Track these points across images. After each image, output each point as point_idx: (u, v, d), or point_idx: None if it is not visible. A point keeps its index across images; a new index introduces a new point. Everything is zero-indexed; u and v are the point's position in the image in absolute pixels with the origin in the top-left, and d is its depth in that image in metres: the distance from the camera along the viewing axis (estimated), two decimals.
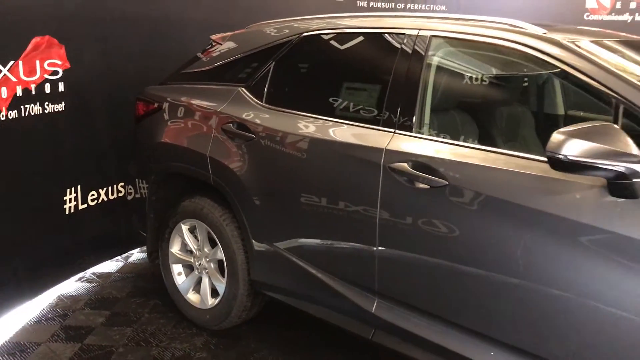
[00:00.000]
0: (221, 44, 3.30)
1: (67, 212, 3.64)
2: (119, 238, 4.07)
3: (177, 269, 3.33)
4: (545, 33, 2.20)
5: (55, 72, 3.41)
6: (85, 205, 3.78)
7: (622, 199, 1.81)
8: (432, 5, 5.73)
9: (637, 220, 1.78)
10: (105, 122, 3.85)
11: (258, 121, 2.81)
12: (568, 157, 1.75)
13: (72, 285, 3.74)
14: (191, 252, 3.24)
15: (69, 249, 3.71)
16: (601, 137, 1.76)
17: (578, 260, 1.90)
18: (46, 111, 3.38)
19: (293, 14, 3.23)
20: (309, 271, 2.68)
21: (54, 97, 3.42)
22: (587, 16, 5.64)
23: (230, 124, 2.91)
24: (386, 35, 2.57)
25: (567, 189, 1.91)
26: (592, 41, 2.31)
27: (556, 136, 1.77)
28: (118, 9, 3.80)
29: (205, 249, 3.16)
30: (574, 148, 1.75)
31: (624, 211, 1.81)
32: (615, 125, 1.80)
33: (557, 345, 1.99)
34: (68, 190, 3.63)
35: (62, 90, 3.47)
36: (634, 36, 2.87)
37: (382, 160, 2.34)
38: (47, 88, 3.36)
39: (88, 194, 3.79)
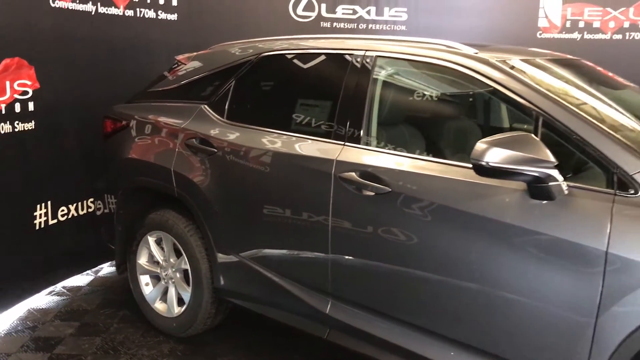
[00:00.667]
0: (186, 64, 3.48)
1: (37, 227, 3.75)
2: (89, 252, 4.19)
3: (144, 279, 3.46)
4: (476, 53, 2.42)
5: (25, 92, 3.55)
6: (55, 221, 3.90)
7: (541, 201, 2.01)
8: (392, 26, 5.98)
9: (554, 220, 1.99)
10: (74, 139, 3.99)
11: (219, 136, 2.98)
12: (489, 163, 1.95)
13: (42, 299, 3.83)
14: (158, 263, 3.38)
15: (39, 263, 3.82)
16: (520, 146, 1.96)
17: (505, 258, 2.10)
18: (16, 130, 3.51)
19: (259, 35, 3.41)
20: (269, 277, 2.84)
21: (24, 116, 3.56)
22: (540, 34, 5.93)
23: (193, 140, 3.08)
24: (337, 55, 2.77)
25: (494, 192, 2.11)
26: (522, 59, 2.55)
27: (479, 145, 1.97)
28: (87, 31, 3.96)
29: (171, 260, 3.31)
30: (495, 155, 1.95)
31: (543, 212, 2.01)
32: (533, 135, 2.01)
33: (490, 337, 2.18)
34: (38, 206, 3.75)
35: (32, 109, 3.61)
36: (564, 55, 3.13)
37: (333, 171, 2.52)
38: (17, 107, 3.50)
39: (58, 209, 3.92)
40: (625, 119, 2.38)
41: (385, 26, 6.02)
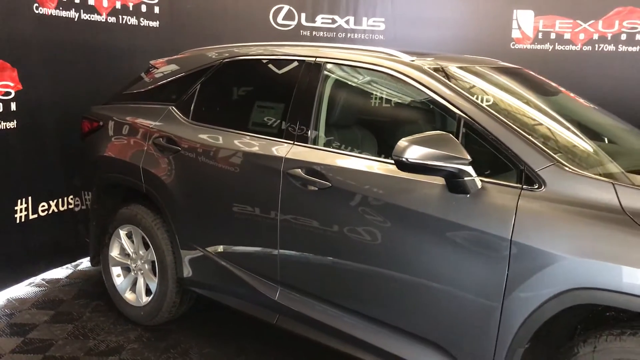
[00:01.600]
0: (158, 68, 3.69)
1: (17, 221, 3.95)
2: (69, 247, 4.39)
3: (116, 271, 3.66)
4: (412, 60, 2.63)
5: (8, 93, 3.76)
6: (35, 216, 4.11)
7: (458, 194, 2.21)
8: (370, 35, 6.20)
9: (468, 212, 2.19)
10: (55, 139, 4.20)
11: (183, 135, 3.20)
12: (409, 160, 2.15)
13: (22, 289, 4.03)
14: (128, 255, 3.58)
15: (19, 255, 4.02)
16: (438, 144, 2.16)
17: (427, 247, 2.30)
18: None
19: (240, 41, 3.58)
20: (226, 267, 3.04)
21: (6, 116, 3.77)
22: (513, 45, 6.14)
23: (161, 139, 3.29)
24: (290, 61, 2.98)
25: (418, 187, 2.32)
26: (459, 67, 2.76)
27: (401, 143, 2.17)
28: (70, 37, 4.18)
29: (140, 252, 3.51)
30: (414, 152, 2.15)
31: (459, 204, 2.22)
32: (450, 135, 2.22)
33: (415, 320, 2.38)
34: (19, 200, 3.96)
35: (14, 109, 3.82)
36: (508, 64, 3.34)
37: (282, 167, 2.73)
38: (0, 107, 3.71)
39: (39, 205, 4.12)
40: (547, 122, 2.58)
41: (364, 35, 6.24)
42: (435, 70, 2.56)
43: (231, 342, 3.34)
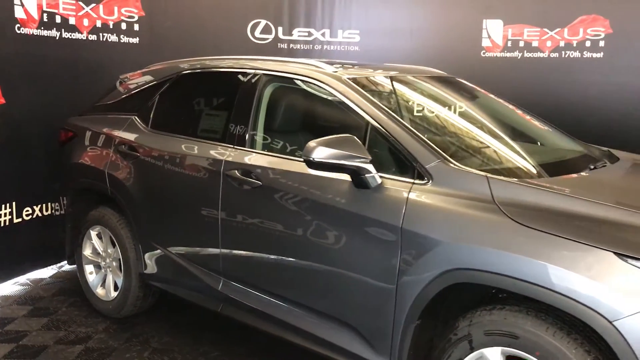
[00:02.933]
0: (126, 82, 4.02)
1: (1, 225, 4.29)
2: (53, 249, 4.71)
3: (89, 268, 3.98)
4: (335, 71, 2.92)
5: None
6: (20, 220, 4.45)
7: (361, 189, 2.49)
8: (346, 47, 6.50)
9: (370, 204, 2.46)
10: (38, 149, 4.53)
11: (142, 142, 3.51)
12: (315, 159, 2.43)
13: (7, 288, 4.36)
14: (99, 253, 3.90)
15: (4, 256, 4.36)
16: (342, 145, 2.44)
17: (339, 237, 2.57)
18: None
19: (219, 54, 3.86)
20: (178, 262, 3.34)
21: None
22: (484, 54, 6.39)
23: (123, 146, 3.61)
24: (233, 73, 3.29)
25: (331, 183, 2.59)
26: (384, 76, 3.04)
27: (309, 144, 2.45)
28: (51, 54, 4.52)
29: (109, 250, 3.82)
30: (320, 153, 2.42)
31: (362, 198, 2.49)
32: (353, 136, 2.48)
33: (330, 303, 2.65)
34: (3, 205, 4.30)
35: None
36: (440, 72, 3.61)
37: (222, 169, 3.03)
38: None
39: (23, 209, 4.46)
40: (452, 124, 2.85)
41: (340, 47, 6.54)
42: (353, 79, 2.84)
43: (189, 333, 3.63)
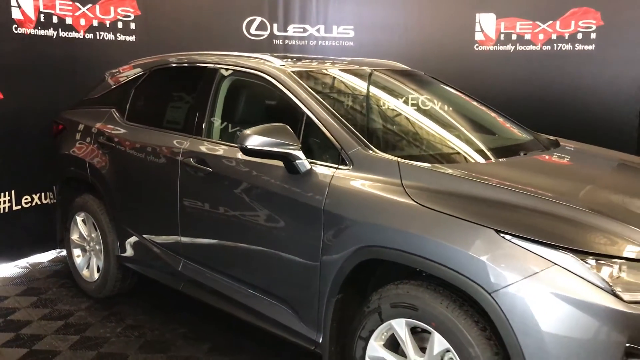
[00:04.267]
0: (113, 76, 4.29)
1: (0, 211, 4.62)
2: (53, 235, 5.03)
3: (76, 252, 4.27)
4: (282, 65, 3.11)
5: None
6: (19, 207, 4.77)
7: (293, 174, 2.67)
8: (341, 42, 6.66)
9: (299, 188, 2.65)
10: (36, 142, 4.84)
11: (117, 133, 3.77)
12: (248, 146, 2.62)
13: (7, 270, 4.69)
14: (84, 238, 4.18)
15: (4, 241, 4.69)
16: (274, 133, 2.63)
17: (273, 219, 2.76)
18: None
19: (215, 49, 4.07)
20: (146, 245, 3.59)
21: None
22: (477, 47, 6.47)
23: (101, 136, 3.88)
24: (197, 68, 3.51)
25: (269, 169, 2.78)
26: (339, 69, 3.23)
27: (243, 132, 2.65)
28: (49, 52, 4.82)
29: (92, 235, 4.10)
30: (253, 140, 2.62)
31: (293, 182, 2.68)
32: (286, 125, 2.67)
33: (268, 280, 2.85)
34: (2, 193, 4.62)
35: None
36: (403, 67, 3.75)
37: (180, 157, 3.25)
38: None
39: (22, 197, 4.78)
40: (393, 114, 3.01)
41: (334, 42, 6.70)
42: (297, 73, 3.03)
43: (164, 313, 3.87)
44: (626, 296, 1.88)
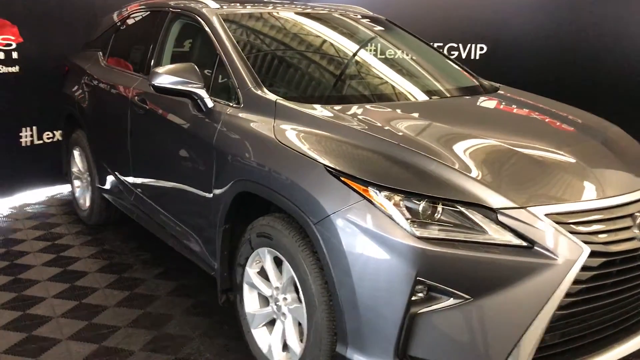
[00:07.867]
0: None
1: (22, 145, 5.15)
2: None
3: (76, 183, 4.71)
4: (216, 7, 3.23)
5: (9, 44, 4.90)
6: (41, 142, 5.29)
7: (200, 112, 2.85)
8: None
9: (202, 125, 2.82)
10: (55, 81, 5.28)
11: (96, 74, 4.09)
12: (156, 84, 2.81)
13: (24, 198, 5.23)
14: (80, 170, 4.60)
15: (26, 171, 5.22)
16: (181, 72, 2.79)
17: (183, 153, 2.97)
18: (1, 71, 4.88)
19: None
20: (114, 177, 3.92)
21: (10, 62, 4.91)
22: None
23: (86, 77, 4.22)
24: (156, 12, 3.71)
25: (182, 105, 2.97)
26: (280, 15, 3.33)
27: (153, 70, 2.84)
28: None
29: (85, 167, 4.51)
30: (162, 79, 2.80)
31: (198, 119, 2.85)
32: (194, 65, 2.82)
33: (182, 212, 3.08)
34: (24, 128, 5.14)
35: (16, 57, 4.96)
36: (365, 12, 3.75)
37: (130, 96, 3.51)
38: (2, 55, 4.86)
39: (43, 133, 5.29)
40: (310, 57, 3.10)
41: None
42: (224, 15, 3.15)
43: (138, 242, 4.23)
44: (419, 232, 1.92)
